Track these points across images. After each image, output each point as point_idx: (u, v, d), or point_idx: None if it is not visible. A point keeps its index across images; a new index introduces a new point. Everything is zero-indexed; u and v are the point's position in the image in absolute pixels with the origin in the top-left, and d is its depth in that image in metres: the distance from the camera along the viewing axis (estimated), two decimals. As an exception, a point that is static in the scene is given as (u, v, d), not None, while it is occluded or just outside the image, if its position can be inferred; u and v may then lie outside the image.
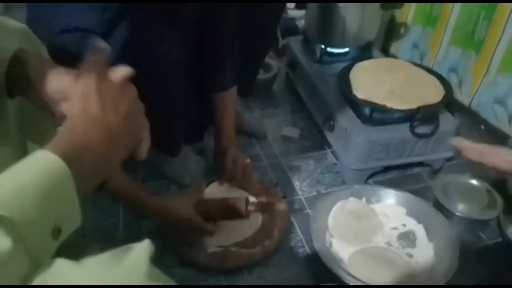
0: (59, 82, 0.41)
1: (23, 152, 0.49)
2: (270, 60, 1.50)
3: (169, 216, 0.80)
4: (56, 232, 0.33)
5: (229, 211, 0.88)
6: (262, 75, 1.41)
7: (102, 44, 0.49)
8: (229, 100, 1.03)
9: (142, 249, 0.34)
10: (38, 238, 0.31)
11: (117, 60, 0.68)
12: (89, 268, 0.32)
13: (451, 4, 1.25)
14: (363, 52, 1.33)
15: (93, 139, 0.36)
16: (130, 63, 0.71)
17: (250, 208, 0.91)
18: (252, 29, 1.06)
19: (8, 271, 0.29)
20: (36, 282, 0.31)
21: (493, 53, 1.13)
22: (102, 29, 0.72)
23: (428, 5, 1.36)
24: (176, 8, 0.79)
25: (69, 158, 0.33)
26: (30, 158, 0.33)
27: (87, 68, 0.40)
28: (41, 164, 0.32)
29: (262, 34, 1.14)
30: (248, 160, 0.99)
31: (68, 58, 0.65)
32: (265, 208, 0.94)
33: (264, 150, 1.18)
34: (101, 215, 0.95)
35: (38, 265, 0.32)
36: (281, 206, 0.95)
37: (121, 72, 0.41)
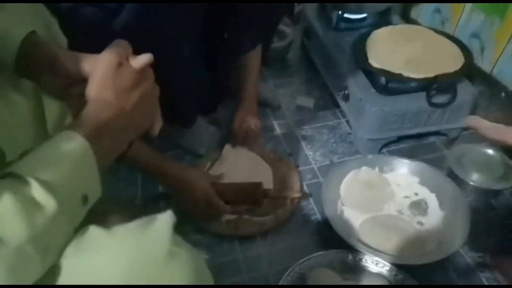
0: (80, 64, 0.44)
1: (37, 102, 0.51)
2: (285, 27, 1.47)
3: (185, 187, 0.83)
4: (84, 198, 0.38)
5: (244, 195, 0.89)
6: (276, 43, 1.39)
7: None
8: (253, 62, 1.04)
9: (165, 219, 0.38)
10: (72, 201, 0.37)
11: (128, 32, 0.70)
12: (119, 235, 0.37)
13: (476, -34, 1.18)
14: (382, 18, 1.29)
15: (109, 122, 0.41)
16: (140, 36, 0.72)
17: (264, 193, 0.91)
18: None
19: (55, 228, 0.35)
20: (71, 246, 0.36)
21: (518, 19, 1.08)
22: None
23: (451, -34, 1.29)
24: None
25: (90, 137, 0.39)
26: (60, 136, 0.38)
27: (108, 53, 0.43)
28: (70, 141, 0.38)
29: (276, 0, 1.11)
30: (254, 125, 1.01)
31: (86, 30, 0.67)
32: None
33: (278, 120, 1.19)
34: (121, 185, 0.99)
35: (74, 228, 0.37)
36: (294, 174, 0.97)
37: (142, 59, 0.45)
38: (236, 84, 1.08)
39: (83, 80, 0.44)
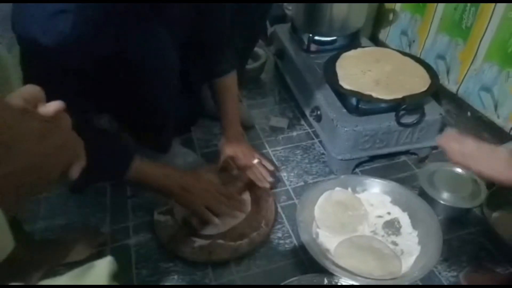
0: None
1: None
2: (258, 48, 1.48)
3: (197, 175, 0.89)
4: None
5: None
6: (250, 64, 1.40)
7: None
8: (231, 85, 1.03)
9: (103, 266, 0.36)
10: None
11: (106, 60, 0.68)
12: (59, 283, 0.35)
13: (438, -9, 1.24)
14: (351, 40, 1.32)
15: (6, 176, 0.36)
16: (121, 60, 0.70)
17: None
18: (242, 21, 1.05)
19: None
20: None
21: (480, 41, 1.13)
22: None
23: (416, -9, 1.35)
24: (169, 6, 0.78)
25: None
26: None
27: (10, 99, 0.38)
28: None
29: (252, 25, 1.12)
30: (256, 158, 1.00)
31: (59, 39, 0.63)
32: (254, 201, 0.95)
33: (252, 141, 1.18)
34: (89, 211, 0.95)
35: None
36: (269, 198, 0.96)
37: (52, 106, 0.40)
38: (215, 109, 1.06)
39: None
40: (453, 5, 1.19)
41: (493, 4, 1.07)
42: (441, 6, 1.25)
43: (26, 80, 0.57)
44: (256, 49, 1.44)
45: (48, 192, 0.41)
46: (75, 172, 0.43)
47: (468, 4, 1.14)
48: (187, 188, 0.84)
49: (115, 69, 0.71)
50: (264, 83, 1.46)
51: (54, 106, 0.40)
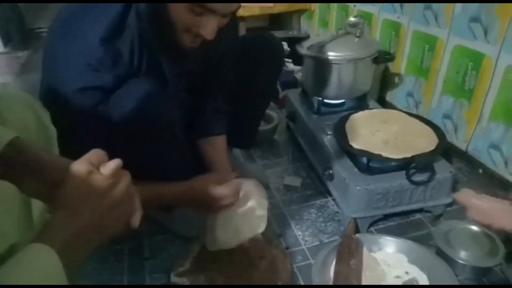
0: (63, 171, 0.46)
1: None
2: (271, 111, 1.57)
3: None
4: None
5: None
6: (263, 126, 1.47)
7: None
8: (221, 146, 1.07)
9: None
10: None
11: (118, 118, 0.75)
12: None
13: (440, 57, 1.32)
14: (359, 102, 1.39)
15: (77, 233, 0.43)
16: (131, 121, 0.77)
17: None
18: (253, 85, 1.13)
19: None
20: None
21: (484, 102, 1.18)
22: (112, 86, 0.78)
23: (418, 57, 1.43)
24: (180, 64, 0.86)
25: (59, 250, 0.40)
26: (30, 249, 0.40)
27: (78, 163, 0.46)
28: (39, 255, 0.40)
29: (263, 89, 1.21)
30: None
31: (83, 114, 0.72)
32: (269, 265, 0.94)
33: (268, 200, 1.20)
34: (107, 275, 0.96)
35: None
36: (284, 258, 0.96)
37: (110, 166, 0.47)
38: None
39: None
40: (455, 68, 1.26)
41: (492, 67, 1.13)
42: (444, 69, 1.32)
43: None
44: (269, 111, 1.52)
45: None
46: (136, 221, 0.49)
47: (470, 68, 1.21)
48: None
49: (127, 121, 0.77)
50: (278, 143, 1.52)
51: (112, 164, 0.47)
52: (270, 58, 1.14)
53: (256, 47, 1.11)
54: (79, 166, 0.45)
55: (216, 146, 1.07)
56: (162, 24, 0.76)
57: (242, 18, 2.09)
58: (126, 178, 0.48)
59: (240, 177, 0.99)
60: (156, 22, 0.76)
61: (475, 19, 1.17)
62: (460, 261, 0.90)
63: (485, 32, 1.14)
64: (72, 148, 0.54)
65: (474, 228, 0.97)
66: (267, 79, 1.20)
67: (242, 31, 2.14)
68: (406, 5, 1.45)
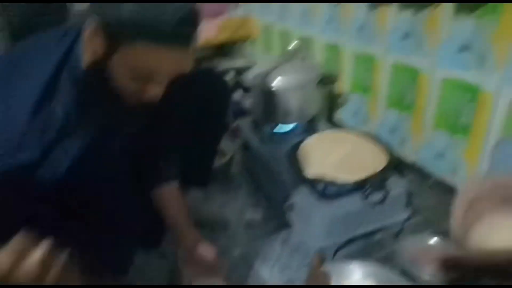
0: None
1: None
2: (224, 144, 1.54)
3: None
4: None
5: None
6: (217, 161, 1.44)
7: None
8: (176, 194, 1.01)
9: None
10: None
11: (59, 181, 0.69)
12: None
13: (380, 75, 1.38)
14: (310, 126, 1.40)
15: None
16: (74, 182, 0.71)
17: None
18: (203, 122, 1.10)
19: None
20: None
21: (425, 114, 1.23)
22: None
23: (361, 76, 1.48)
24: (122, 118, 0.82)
25: None
26: None
27: (3, 252, 0.43)
28: None
29: (213, 125, 1.18)
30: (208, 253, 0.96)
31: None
32: None
33: (230, 239, 1.17)
34: None
35: None
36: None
37: (40, 252, 0.44)
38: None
39: None
40: (396, 84, 1.32)
41: (429, 81, 1.18)
42: (386, 85, 1.37)
43: None
44: (221, 145, 1.49)
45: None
46: None
47: (408, 82, 1.27)
48: None
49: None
50: (234, 177, 1.49)
51: (41, 250, 0.44)
52: (216, 94, 1.13)
53: (199, 85, 1.09)
54: (5, 254, 0.42)
55: (170, 196, 1.01)
56: (102, 91, 0.71)
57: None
58: (59, 261, 0.45)
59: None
60: (96, 88, 0.72)
61: (407, 36, 1.23)
62: (425, 279, 0.91)
63: (418, 47, 1.20)
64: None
65: (434, 241, 0.99)
66: (216, 115, 1.18)
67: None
68: (344, 27, 1.50)
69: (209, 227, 1.20)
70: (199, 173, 1.24)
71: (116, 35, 0.65)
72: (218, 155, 1.44)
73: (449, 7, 1.07)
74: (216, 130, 1.24)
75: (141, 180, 0.98)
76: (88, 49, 0.70)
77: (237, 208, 1.30)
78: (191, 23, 0.68)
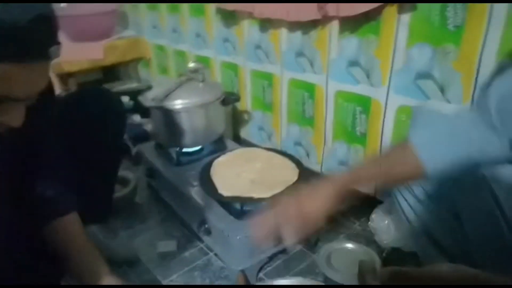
0: None
1: None
2: (126, 172, 1.40)
3: None
4: None
5: None
6: (120, 192, 1.30)
7: None
8: (76, 226, 0.87)
9: None
10: None
11: None
12: None
13: (279, 91, 1.42)
14: (218, 145, 1.37)
15: None
16: None
17: None
18: (96, 148, 0.97)
19: None
20: None
21: (324, 126, 1.30)
22: None
23: (260, 93, 1.52)
24: None
25: None
26: None
27: None
28: None
29: (109, 150, 1.06)
30: None
31: None
32: None
33: (141, 276, 1.05)
34: None
35: None
36: None
37: None
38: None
39: None
40: (294, 99, 1.37)
41: (324, 94, 1.26)
42: (284, 101, 1.42)
43: None
44: (123, 173, 1.36)
45: None
46: None
47: (306, 97, 1.33)
48: None
49: None
50: (141, 207, 1.37)
51: None
52: (108, 114, 1.01)
53: (88, 105, 0.97)
54: None
55: (71, 229, 0.85)
56: None
57: (70, 74, 1.88)
58: None
59: None
60: None
61: (300, 54, 1.29)
62: (345, 283, 0.94)
63: (311, 65, 1.27)
64: None
65: (350, 246, 1.03)
66: (111, 139, 1.05)
67: (72, 87, 1.92)
68: (239, 46, 1.53)
69: (117, 265, 1.06)
70: (97, 205, 1.09)
71: None
72: (119, 184, 1.31)
73: (335, 27, 1.16)
74: (112, 155, 1.11)
75: (32, 215, 0.82)
76: None
77: (147, 241, 1.18)
78: (45, 30, 0.53)
